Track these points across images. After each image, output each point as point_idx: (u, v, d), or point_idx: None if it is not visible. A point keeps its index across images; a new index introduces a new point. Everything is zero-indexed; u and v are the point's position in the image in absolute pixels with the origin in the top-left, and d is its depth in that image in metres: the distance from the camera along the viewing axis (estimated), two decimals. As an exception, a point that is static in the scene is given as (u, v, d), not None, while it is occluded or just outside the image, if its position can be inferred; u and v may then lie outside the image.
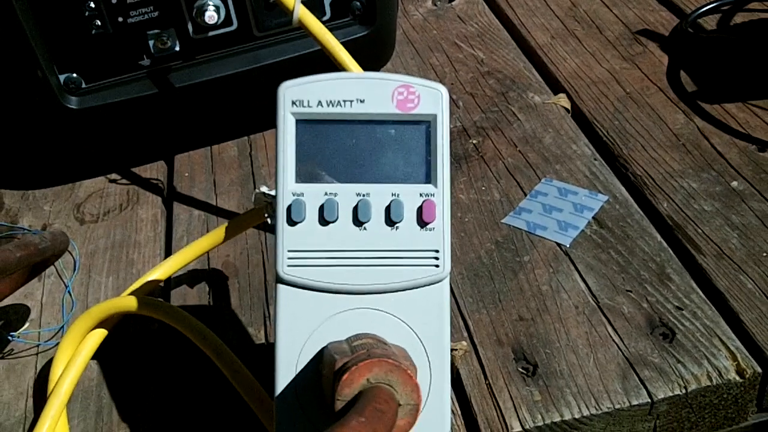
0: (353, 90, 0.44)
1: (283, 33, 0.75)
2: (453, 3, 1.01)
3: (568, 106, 0.81)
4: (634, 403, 0.54)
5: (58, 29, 0.70)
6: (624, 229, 0.66)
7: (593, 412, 0.53)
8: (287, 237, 0.44)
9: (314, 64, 0.66)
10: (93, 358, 0.60)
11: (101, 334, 0.58)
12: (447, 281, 0.45)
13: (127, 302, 0.57)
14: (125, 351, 0.62)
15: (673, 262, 0.63)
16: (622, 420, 0.54)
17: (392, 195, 0.44)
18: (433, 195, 0.44)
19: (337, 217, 0.44)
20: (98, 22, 0.70)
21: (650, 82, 0.83)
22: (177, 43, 0.73)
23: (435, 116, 0.44)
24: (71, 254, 0.71)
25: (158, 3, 0.71)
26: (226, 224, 0.61)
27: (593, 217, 0.67)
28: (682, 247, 0.64)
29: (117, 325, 0.62)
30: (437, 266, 0.44)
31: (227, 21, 0.73)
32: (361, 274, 0.44)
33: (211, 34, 0.74)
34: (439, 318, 0.45)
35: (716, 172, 0.71)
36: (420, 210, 0.44)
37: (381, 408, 0.36)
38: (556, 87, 0.84)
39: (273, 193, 0.59)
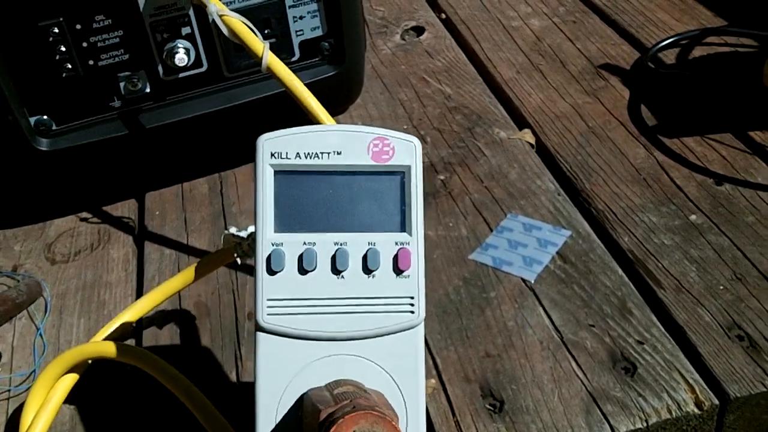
0: (330, 142, 0.45)
1: (252, 74, 0.76)
2: (421, 38, 1.03)
3: (533, 141, 0.83)
4: (598, 437, 0.55)
5: (29, 72, 0.71)
6: (587, 263, 0.68)
7: (558, 447, 0.55)
8: (267, 286, 0.45)
9: (284, 104, 0.67)
10: (65, 402, 0.61)
11: (72, 378, 0.59)
12: (422, 326, 0.46)
13: (98, 348, 0.57)
14: (98, 394, 0.63)
15: (634, 297, 0.65)
16: (586, 454, 0.56)
17: (369, 244, 0.45)
18: (408, 243, 0.46)
19: (316, 266, 0.45)
20: (69, 66, 0.71)
21: (612, 117, 0.85)
22: (147, 84, 0.74)
23: (409, 167, 0.46)
24: (42, 296, 0.72)
25: (129, 46, 0.72)
26: (195, 264, 0.62)
27: (557, 252, 0.69)
28: (642, 281, 0.66)
29: (90, 367, 0.62)
30: (412, 312, 0.46)
31: (197, 63, 0.74)
32: (339, 321, 0.45)
33: (181, 75, 0.75)
34: (414, 362, 0.46)
35: (675, 206, 0.73)
36: (396, 258, 0.46)
37: None
38: (521, 122, 0.86)
39: (242, 234, 0.60)
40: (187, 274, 0.62)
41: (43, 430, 0.56)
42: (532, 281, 0.67)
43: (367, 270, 0.45)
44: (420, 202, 0.46)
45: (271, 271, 0.45)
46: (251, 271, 0.72)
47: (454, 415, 0.58)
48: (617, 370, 0.59)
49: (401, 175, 0.46)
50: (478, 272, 0.69)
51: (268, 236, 0.45)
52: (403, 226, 0.46)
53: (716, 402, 0.57)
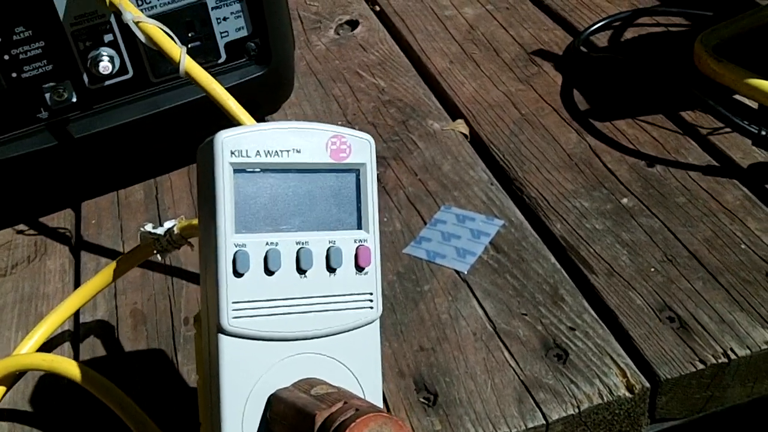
0: (290, 140, 0.45)
1: (179, 78, 0.76)
2: (355, 31, 1.03)
3: (467, 131, 0.83)
4: (530, 425, 0.56)
5: (-49, 88, 0.70)
6: (519, 252, 0.69)
7: (491, 437, 0.56)
8: (232, 289, 0.44)
9: (212, 107, 0.67)
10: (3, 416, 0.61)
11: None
12: (378, 321, 0.47)
13: (23, 360, 0.57)
14: (38, 407, 0.62)
15: (566, 283, 0.66)
16: (520, 443, 0.56)
17: (329, 242, 0.46)
18: (366, 241, 0.47)
19: (281, 266, 0.45)
20: (-9, 79, 0.71)
21: (545, 103, 0.86)
22: (74, 94, 0.73)
23: (365, 165, 0.47)
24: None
25: (52, 56, 0.71)
26: (114, 263, 0.62)
27: (490, 243, 0.70)
28: (574, 267, 0.67)
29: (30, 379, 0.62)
30: (372, 308, 0.47)
31: (122, 70, 0.74)
32: (304, 321, 0.45)
33: (107, 83, 0.74)
34: (373, 356, 0.47)
35: (607, 190, 0.74)
36: (356, 255, 0.46)
37: None
38: (454, 113, 0.87)
39: (158, 231, 0.60)
40: (106, 273, 0.61)
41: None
42: (465, 272, 0.67)
43: (330, 268, 0.46)
44: (375, 198, 0.47)
45: (237, 273, 0.44)
46: (187, 276, 0.71)
47: (388, 410, 0.58)
48: (549, 357, 0.60)
49: (357, 172, 0.47)
50: (412, 266, 0.69)
51: (230, 238, 0.44)
52: (360, 223, 0.47)
53: (647, 385, 0.57)
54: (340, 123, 0.87)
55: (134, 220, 0.79)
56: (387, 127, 0.85)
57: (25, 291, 0.73)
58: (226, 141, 0.44)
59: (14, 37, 0.70)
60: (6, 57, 0.70)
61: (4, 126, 0.73)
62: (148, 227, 0.60)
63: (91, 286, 0.62)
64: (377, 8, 1.07)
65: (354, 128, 0.84)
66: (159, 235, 0.59)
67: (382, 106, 0.89)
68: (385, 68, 0.95)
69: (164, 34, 0.62)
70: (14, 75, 0.71)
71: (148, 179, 0.84)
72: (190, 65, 0.61)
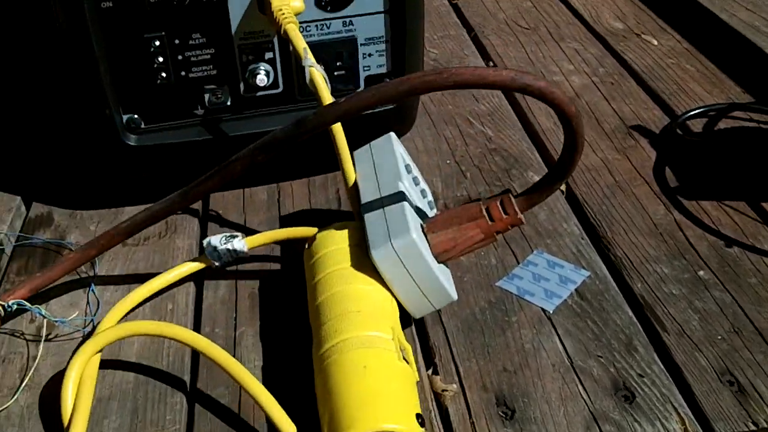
0: None
1: (320, 100, 0.86)
2: (469, 81, 1.12)
3: (563, 188, 0.91)
4: (594, 451, 0.63)
5: (128, 76, 0.80)
6: (601, 302, 0.76)
7: (559, 455, 0.63)
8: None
9: (344, 126, 0.76)
10: (133, 363, 0.70)
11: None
12: None
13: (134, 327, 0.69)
14: (164, 358, 0.71)
15: (640, 336, 0.73)
16: (583, 465, 0.64)
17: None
18: None
19: None
20: (163, 74, 0.81)
21: (638, 174, 0.93)
22: (229, 98, 0.84)
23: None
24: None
25: (217, 63, 0.81)
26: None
27: (575, 290, 0.77)
28: (649, 323, 0.74)
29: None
30: None
31: (274, 84, 0.84)
32: None
33: (259, 93, 0.84)
34: None
35: (686, 261, 0.81)
36: None
37: None
38: (554, 169, 0.95)
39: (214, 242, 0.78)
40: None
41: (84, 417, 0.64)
42: (551, 311, 0.75)
43: None
44: None
45: None
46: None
47: (470, 417, 0.66)
48: (618, 396, 0.67)
49: None
50: (503, 298, 0.77)
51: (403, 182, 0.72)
52: None
53: (703, 435, 0.64)
54: (448, 162, 0.96)
55: (256, 216, 0.88)
56: (491, 172, 0.94)
57: (155, 261, 0.83)
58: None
59: (190, 42, 0.80)
60: (180, 57, 0.80)
61: (165, 115, 0.83)
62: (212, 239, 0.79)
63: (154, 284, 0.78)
64: (491, 64, 1.16)
65: (461, 168, 0.93)
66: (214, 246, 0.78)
67: (488, 152, 0.97)
68: (493, 119, 1.04)
69: (325, 83, 0.72)
70: (183, 73, 0.81)
71: (271, 183, 0.93)
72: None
